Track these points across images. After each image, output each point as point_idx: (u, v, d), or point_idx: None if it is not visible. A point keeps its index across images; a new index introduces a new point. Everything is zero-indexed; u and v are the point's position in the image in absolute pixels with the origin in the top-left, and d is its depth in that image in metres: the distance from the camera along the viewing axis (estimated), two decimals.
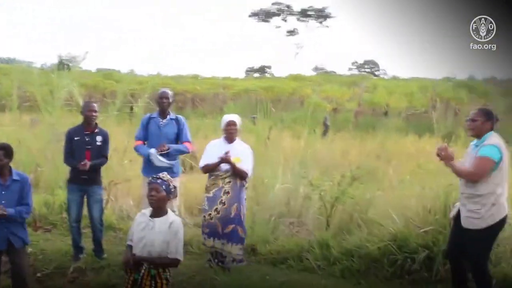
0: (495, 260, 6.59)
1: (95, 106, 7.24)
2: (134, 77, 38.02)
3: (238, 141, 7.04)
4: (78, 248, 7.33)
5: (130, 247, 5.12)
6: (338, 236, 7.56)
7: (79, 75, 12.35)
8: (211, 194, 6.85)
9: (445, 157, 5.62)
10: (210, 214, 6.77)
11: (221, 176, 6.82)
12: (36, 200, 8.54)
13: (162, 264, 4.99)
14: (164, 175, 5.20)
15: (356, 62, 78.97)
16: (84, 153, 7.00)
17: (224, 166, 6.76)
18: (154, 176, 5.16)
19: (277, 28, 71.10)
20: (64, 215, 8.62)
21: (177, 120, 7.49)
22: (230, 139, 6.97)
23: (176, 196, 5.47)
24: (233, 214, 6.75)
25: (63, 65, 26.53)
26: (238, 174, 6.78)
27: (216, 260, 6.84)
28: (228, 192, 6.77)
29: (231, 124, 6.94)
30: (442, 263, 6.58)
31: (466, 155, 5.92)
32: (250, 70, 74.69)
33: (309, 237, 7.81)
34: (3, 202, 5.77)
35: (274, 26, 71.23)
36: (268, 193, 8.77)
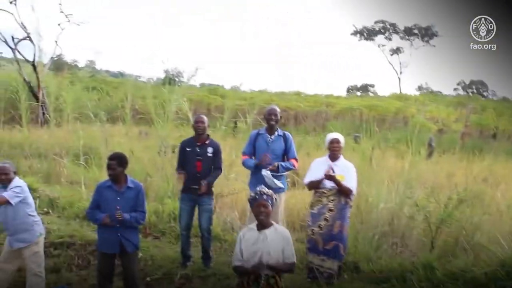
0: None
1: (203, 117, 7.60)
2: (238, 93, 38.92)
3: (342, 159, 7.13)
4: (186, 256, 7.67)
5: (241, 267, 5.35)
6: (442, 259, 7.46)
7: (187, 90, 12.81)
8: (315, 210, 6.98)
9: None
10: (313, 229, 6.90)
11: (325, 193, 6.93)
12: (147, 208, 9.01)
13: (283, 269, 5.28)
14: (264, 189, 5.45)
15: (463, 82, 76.64)
16: (195, 164, 7.37)
17: (329, 184, 6.87)
18: (258, 193, 5.40)
19: (382, 47, 70.20)
20: (173, 223, 9.05)
21: (284, 136, 7.66)
22: (334, 157, 7.07)
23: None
24: (335, 231, 6.84)
25: (169, 80, 27.65)
26: (342, 192, 6.87)
27: (311, 275, 6.93)
28: (332, 210, 6.87)
29: (335, 142, 7.06)
30: None
31: None
32: (352, 89, 74.24)
33: (412, 258, 7.76)
34: (117, 207, 6.20)
35: (378, 45, 70.46)
36: (372, 212, 8.76)
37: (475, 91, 71.32)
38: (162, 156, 10.88)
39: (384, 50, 70.55)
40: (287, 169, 7.55)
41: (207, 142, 7.52)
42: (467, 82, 75.98)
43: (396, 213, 9.00)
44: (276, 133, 7.64)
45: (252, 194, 5.54)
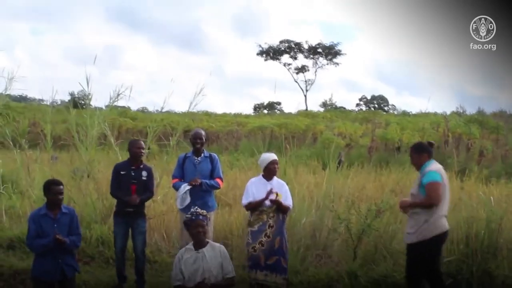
0: None
1: (142, 144, 7.80)
2: (147, 115, 38.72)
3: (275, 179, 7.43)
4: (121, 277, 7.74)
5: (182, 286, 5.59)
6: (365, 267, 7.94)
7: (107, 114, 12.74)
8: (255, 228, 7.20)
9: (406, 206, 6.52)
10: (254, 247, 7.12)
11: (265, 211, 7.18)
12: None
13: (227, 285, 5.58)
14: (198, 209, 5.77)
15: (365, 98, 79.66)
16: (130, 187, 7.51)
17: (268, 202, 7.14)
18: (195, 213, 5.71)
19: (287, 66, 71.90)
20: (101, 248, 9.05)
21: (211, 157, 7.95)
22: (270, 176, 7.36)
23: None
24: (276, 246, 7.11)
25: (75, 102, 27.17)
26: (282, 209, 7.19)
27: None
28: (272, 226, 7.15)
29: (274, 163, 7.35)
30: None
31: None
32: (259, 107, 75.40)
33: (336, 268, 8.19)
34: (56, 232, 6.21)
35: (283, 64, 72.11)
36: (295, 226, 9.14)
37: (376, 105, 74.27)
38: (80, 179, 10.82)
39: (290, 69, 72.27)
40: (212, 187, 7.80)
41: (141, 166, 7.68)
42: (369, 97, 79.14)
43: (317, 226, 9.45)
44: (202, 154, 7.89)
45: (188, 215, 5.82)
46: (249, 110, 73.55)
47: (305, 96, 71.89)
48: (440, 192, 6.28)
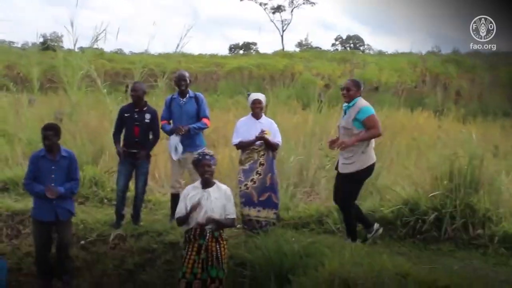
0: (496, 220, 7.36)
1: (139, 87, 7.89)
2: (123, 56, 38.26)
3: (264, 117, 7.65)
4: (120, 215, 7.99)
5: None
6: None
7: (92, 56, 12.71)
8: (246, 167, 7.48)
9: (345, 144, 6.81)
10: (246, 184, 7.39)
11: (256, 149, 7.43)
12: None
13: (226, 224, 5.87)
14: (206, 149, 5.98)
15: (340, 38, 79.36)
16: (133, 129, 7.69)
17: (258, 141, 7.38)
18: (202, 153, 5.93)
19: (263, 6, 71.03)
20: (95, 188, 9.27)
21: (196, 97, 8.06)
22: (257, 115, 7.59)
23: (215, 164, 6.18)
24: (268, 183, 7.40)
25: (47, 45, 26.73)
26: (271, 147, 7.42)
27: (246, 226, 7.47)
28: (263, 164, 7.41)
29: (256, 102, 7.56)
30: (449, 223, 7.33)
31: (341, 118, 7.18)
32: (235, 47, 74.73)
33: (324, 204, 8.51)
34: (53, 176, 6.50)
35: (258, 3, 71.20)
36: (284, 165, 9.40)
37: (352, 45, 74.11)
38: (60, 121, 10.86)
39: (266, 9, 71.41)
40: (200, 128, 7.95)
41: (145, 108, 7.80)
42: (344, 37, 78.85)
43: (305, 165, 9.74)
44: (187, 95, 8.01)
45: (196, 156, 6.04)
46: (224, 51, 72.84)
47: (282, 36, 71.34)
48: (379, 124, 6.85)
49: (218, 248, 5.77)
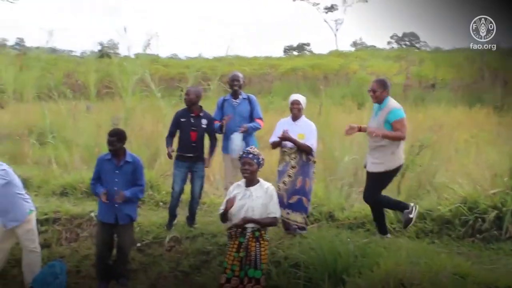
0: None
1: (192, 91, 7.91)
2: (178, 61, 38.71)
3: (302, 119, 7.54)
4: (173, 215, 8.08)
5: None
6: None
7: (147, 62, 12.94)
8: (280, 168, 7.47)
9: (375, 133, 6.75)
10: (278, 186, 7.33)
11: (287, 152, 7.39)
12: None
13: (266, 223, 5.83)
14: (254, 149, 5.96)
15: (396, 35, 78.15)
16: (190, 134, 7.74)
17: (290, 143, 7.33)
18: (246, 151, 5.92)
19: (316, 5, 70.63)
20: (151, 192, 9.37)
21: (249, 99, 8.10)
22: (295, 117, 7.52)
23: (262, 166, 6.14)
24: (298, 186, 7.30)
25: (106, 53, 27.30)
26: (302, 150, 7.32)
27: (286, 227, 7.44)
28: (294, 167, 7.33)
29: (294, 103, 7.49)
30: (510, 222, 7.10)
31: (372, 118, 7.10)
32: (289, 49, 74.58)
33: None
34: (115, 180, 6.64)
35: (311, 4, 70.84)
36: (339, 165, 9.32)
37: (408, 43, 72.90)
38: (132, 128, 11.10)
39: (319, 9, 71.00)
40: (255, 129, 8.01)
41: (201, 114, 7.84)
42: (400, 35, 77.59)
43: (359, 164, 9.61)
44: (240, 96, 8.05)
45: (240, 153, 6.04)
46: (279, 53, 72.79)
47: (335, 36, 70.80)
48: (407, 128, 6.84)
49: (258, 248, 5.74)
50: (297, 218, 7.34)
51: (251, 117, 8.04)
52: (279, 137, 7.33)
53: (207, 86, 11.25)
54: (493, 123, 15.64)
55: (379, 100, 6.85)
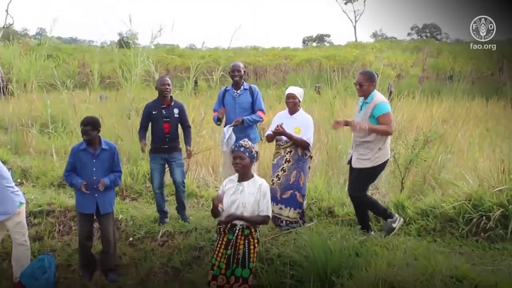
0: None
1: (168, 80, 7.76)
2: (195, 51, 38.61)
3: (300, 112, 7.30)
4: (162, 212, 7.92)
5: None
6: (412, 198, 7.81)
7: (151, 52, 12.76)
8: (275, 162, 7.26)
9: (360, 128, 6.41)
10: (272, 179, 7.14)
11: (282, 145, 7.16)
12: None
13: (256, 221, 5.52)
14: (246, 142, 5.66)
15: (416, 27, 77.41)
16: (163, 125, 7.57)
17: (284, 137, 7.10)
18: (238, 145, 5.62)
19: None
20: (148, 184, 9.21)
21: (250, 90, 7.83)
22: (291, 110, 7.27)
23: (257, 160, 5.89)
24: (292, 180, 7.06)
25: (124, 42, 27.22)
26: (297, 144, 7.08)
27: (277, 223, 7.17)
28: (289, 161, 7.10)
29: (289, 97, 7.24)
30: None
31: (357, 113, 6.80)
32: (308, 40, 74.28)
33: (383, 199, 8.08)
34: (94, 169, 6.57)
35: None
36: (342, 159, 9.04)
37: (429, 34, 72.13)
38: (128, 118, 10.95)
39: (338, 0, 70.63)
40: (254, 121, 7.73)
41: (172, 103, 7.69)
42: (421, 26, 76.81)
43: None
44: (242, 87, 7.80)
45: (232, 147, 5.77)
46: (298, 44, 72.52)
47: (354, 27, 70.36)
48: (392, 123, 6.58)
49: (247, 246, 5.46)
50: (290, 213, 7.11)
51: (253, 109, 7.77)
52: (273, 131, 7.12)
53: (210, 76, 11.01)
54: (510, 117, 15.23)
55: (365, 94, 6.54)
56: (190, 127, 7.96)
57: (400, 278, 5.03)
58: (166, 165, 7.82)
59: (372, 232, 6.87)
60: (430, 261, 5.50)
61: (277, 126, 7.03)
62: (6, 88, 14.65)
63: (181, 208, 7.97)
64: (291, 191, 7.07)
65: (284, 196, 7.07)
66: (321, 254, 5.81)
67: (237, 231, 5.48)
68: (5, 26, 26.58)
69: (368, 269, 5.38)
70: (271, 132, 7.21)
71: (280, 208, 7.08)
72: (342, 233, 6.72)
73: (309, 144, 7.13)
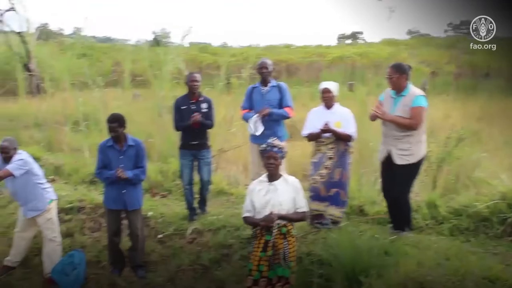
0: None
1: (197, 76, 7.73)
2: (228, 49, 38.71)
3: (337, 106, 7.15)
4: (192, 209, 7.92)
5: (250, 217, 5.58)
6: (445, 196, 7.65)
7: (182, 50, 12.81)
8: (316, 160, 7.07)
9: (383, 114, 6.33)
10: (314, 178, 6.99)
11: (324, 142, 7.00)
12: (152, 168, 9.16)
13: (297, 219, 5.46)
14: (276, 141, 5.59)
15: (452, 24, 76.21)
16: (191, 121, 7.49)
17: (326, 133, 6.94)
18: (269, 144, 5.54)
19: None
20: (178, 181, 9.18)
21: (279, 86, 7.71)
22: (328, 105, 7.12)
23: (284, 157, 5.81)
24: (336, 178, 6.93)
25: (157, 41, 27.40)
26: (341, 139, 6.94)
27: (315, 222, 7.03)
28: (331, 158, 6.95)
29: (325, 91, 7.08)
30: None
31: (385, 102, 6.59)
32: (342, 37, 73.77)
33: (415, 198, 7.93)
34: (121, 165, 6.57)
35: None
36: (373, 157, 8.90)
37: (465, 31, 70.92)
38: (163, 116, 10.99)
39: None
40: (281, 116, 7.61)
41: (200, 98, 7.67)
42: (458, 23, 75.56)
43: None
44: (269, 84, 7.70)
45: (263, 146, 5.68)
46: (333, 42, 72.19)
47: (388, 24, 69.65)
48: (424, 118, 6.35)
49: (286, 245, 5.39)
50: (334, 211, 6.98)
51: (280, 105, 7.67)
52: (321, 129, 6.92)
53: (241, 74, 11.01)
54: None
55: (398, 86, 6.39)
56: (212, 122, 7.84)
57: (430, 278, 4.93)
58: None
59: (405, 232, 6.68)
60: (462, 261, 5.38)
61: (325, 124, 6.87)
62: (40, 86, 14.89)
63: (202, 204, 8.06)
64: (336, 189, 6.95)
65: (329, 194, 6.94)
66: (349, 253, 5.72)
67: (274, 231, 5.40)
68: (41, 26, 27.05)
69: (397, 269, 5.27)
70: (313, 130, 7.05)
71: (326, 206, 6.95)
72: (371, 232, 6.63)
73: (353, 138, 7.02)
